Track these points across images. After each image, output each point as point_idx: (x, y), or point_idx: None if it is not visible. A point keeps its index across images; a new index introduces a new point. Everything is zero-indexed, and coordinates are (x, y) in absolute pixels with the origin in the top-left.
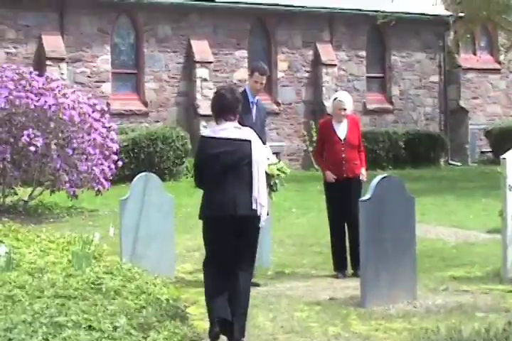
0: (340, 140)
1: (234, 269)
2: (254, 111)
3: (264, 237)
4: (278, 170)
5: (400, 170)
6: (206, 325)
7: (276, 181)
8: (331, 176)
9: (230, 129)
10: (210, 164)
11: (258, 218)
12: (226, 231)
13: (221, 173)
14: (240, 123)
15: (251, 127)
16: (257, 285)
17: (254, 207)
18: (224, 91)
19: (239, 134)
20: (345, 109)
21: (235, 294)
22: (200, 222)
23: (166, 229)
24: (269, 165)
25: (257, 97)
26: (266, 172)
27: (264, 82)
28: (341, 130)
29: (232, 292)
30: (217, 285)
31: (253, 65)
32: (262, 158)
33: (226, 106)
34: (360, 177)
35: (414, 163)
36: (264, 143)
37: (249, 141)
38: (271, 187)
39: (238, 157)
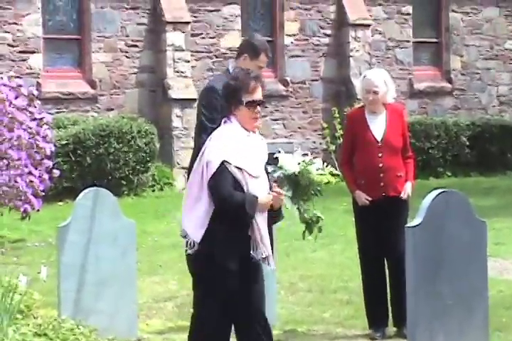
0: (376, 140)
1: None
2: None
3: (267, 281)
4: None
5: (463, 177)
6: None
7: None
8: (363, 198)
9: None
10: None
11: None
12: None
13: None
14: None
15: None
16: None
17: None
18: None
19: None
20: (375, 92)
21: None
22: (173, 258)
23: (124, 269)
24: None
25: None
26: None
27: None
28: (377, 125)
29: None
30: None
31: (256, 42)
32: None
33: None
34: (401, 195)
35: (483, 168)
36: None
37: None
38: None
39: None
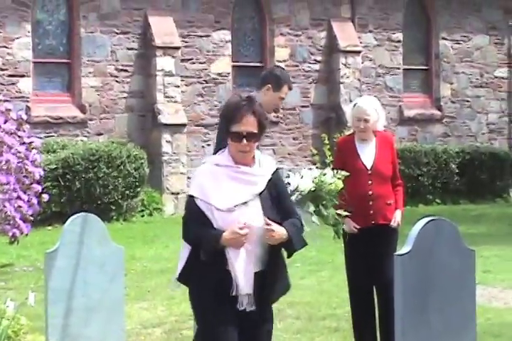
0: (366, 168)
1: None
2: None
3: None
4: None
5: (452, 205)
6: None
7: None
8: (351, 225)
9: None
10: None
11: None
12: None
13: None
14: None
15: None
16: None
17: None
18: None
19: None
20: (366, 120)
21: None
22: (162, 284)
23: (112, 294)
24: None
25: None
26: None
27: None
28: (367, 153)
29: None
30: None
31: (279, 74)
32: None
33: None
34: (391, 223)
35: (472, 195)
36: None
37: None
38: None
39: None
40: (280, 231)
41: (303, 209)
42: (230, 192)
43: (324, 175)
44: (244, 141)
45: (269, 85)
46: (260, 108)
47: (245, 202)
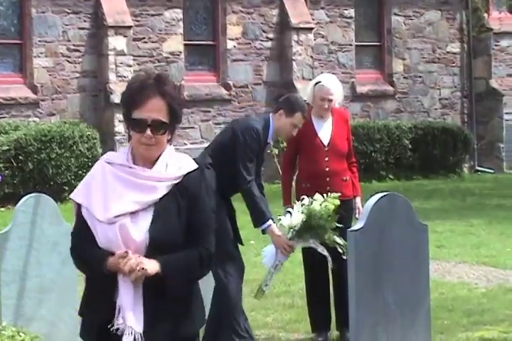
0: (323, 145)
1: None
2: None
3: (209, 284)
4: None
5: (406, 181)
6: None
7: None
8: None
9: None
10: None
11: None
12: None
13: None
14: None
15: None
16: None
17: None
18: None
19: None
20: (330, 100)
21: None
22: None
23: (65, 275)
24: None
25: None
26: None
27: None
28: (324, 130)
29: None
30: None
31: (293, 100)
32: None
33: None
34: (357, 216)
35: (425, 171)
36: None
37: None
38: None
39: None
40: (147, 269)
41: (303, 241)
42: (113, 198)
43: (314, 201)
44: (149, 131)
45: (282, 110)
46: (174, 90)
47: (134, 213)
